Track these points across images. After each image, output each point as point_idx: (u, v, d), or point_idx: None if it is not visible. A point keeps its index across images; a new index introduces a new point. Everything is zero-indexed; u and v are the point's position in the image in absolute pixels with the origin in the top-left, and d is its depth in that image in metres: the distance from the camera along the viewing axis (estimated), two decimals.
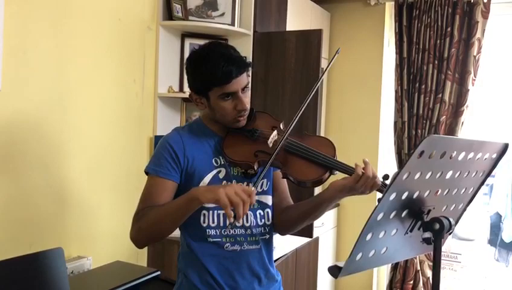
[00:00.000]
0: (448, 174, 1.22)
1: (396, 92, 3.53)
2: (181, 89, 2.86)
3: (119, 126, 2.51)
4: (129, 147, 2.59)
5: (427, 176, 1.15)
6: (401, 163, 3.51)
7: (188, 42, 2.84)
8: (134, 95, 2.60)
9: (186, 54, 2.84)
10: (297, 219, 1.58)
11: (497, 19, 3.39)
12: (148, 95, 2.69)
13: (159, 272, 2.17)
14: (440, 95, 3.36)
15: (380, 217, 1.13)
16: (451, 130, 3.38)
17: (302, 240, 3.06)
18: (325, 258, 3.67)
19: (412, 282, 3.46)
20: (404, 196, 1.15)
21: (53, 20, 2.12)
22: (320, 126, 3.65)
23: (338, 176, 1.48)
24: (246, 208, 1.26)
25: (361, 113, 3.75)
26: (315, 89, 1.52)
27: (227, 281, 1.49)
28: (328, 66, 1.54)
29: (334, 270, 1.18)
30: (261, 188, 1.56)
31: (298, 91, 2.72)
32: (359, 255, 1.16)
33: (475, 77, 3.32)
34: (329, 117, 3.81)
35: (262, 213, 1.56)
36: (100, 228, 2.42)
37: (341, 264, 1.19)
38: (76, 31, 2.23)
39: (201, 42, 2.86)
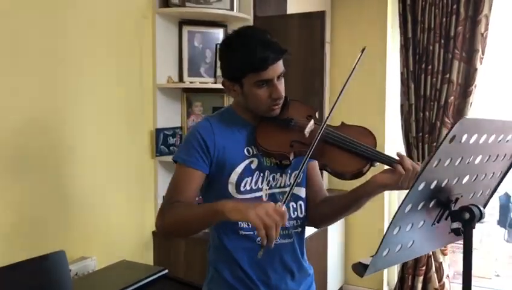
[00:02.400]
0: (478, 159, 1.13)
1: (402, 74, 3.42)
2: (181, 79, 2.75)
3: (118, 120, 2.41)
4: (129, 142, 2.49)
5: (457, 162, 1.06)
6: (408, 147, 3.42)
7: (186, 30, 2.74)
8: (131, 87, 2.50)
9: (185, 42, 2.74)
10: (334, 212, 1.53)
11: None
12: (147, 87, 2.59)
13: (166, 271, 2.10)
14: (447, 75, 3.25)
15: (408, 209, 1.04)
16: (460, 111, 3.28)
17: (311, 230, 2.98)
18: (335, 247, 3.60)
19: (424, 268, 3.39)
20: (433, 185, 1.06)
21: (45, 13, 2.02)
22: (325, 111, 3.54)
23: (378, 167, 1.40)
24: (279, 230, 1.19)
25: (367, 97, 3.64)
26: (349, 80, 1.44)
27: (259, 276, 1.45)
28: (354, 68, 1.44)
29: (359, 268, 1.09)
30: (298, 180, 1.48)
31: (302, 76, 2.62)
32: (386, 251, 1.08)
33: (483, 55, 3.21)
34: (332, 101, 3.70)
35: (295, 206, 1.50)
36: (103, 226, 2.34)
37: (365, 261, 1.11)
38: (70, 23, 2.13)
39: (200, 29, 2.78)
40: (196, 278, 2.45)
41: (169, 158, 2.68)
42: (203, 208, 1.34)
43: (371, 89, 3.63)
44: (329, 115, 1.41)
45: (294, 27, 2.71)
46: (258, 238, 1.41)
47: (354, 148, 1.40)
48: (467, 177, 1.15)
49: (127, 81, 2.46)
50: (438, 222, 1.18)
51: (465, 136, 1.00)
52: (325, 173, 1.53)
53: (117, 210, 2.42)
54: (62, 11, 2.09)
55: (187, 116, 2.82)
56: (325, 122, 1.39)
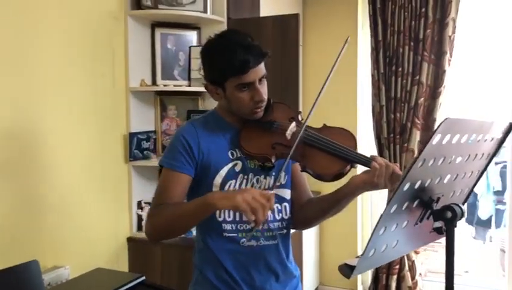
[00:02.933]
0: (458, 159, 1.16)
1: (372, 76, 3.47)
2: (154, 82, 2.71)
3: (91, 125, 2.36)
4: (103, 146, 2.44)
5: (440, 162, 1.08)
6: (380, 147, 3.47)
7: (158, 32, 2.70)
8: (104, 90, 2.45)
9: (157, 45, 2.71)
10: (317, 214, 1.53)
11: None
12: (120, 90, 2.54)
13: (143, 277, 2.05)
14: (417, 77, 3.31)
15: (393, 209, 1.05)
16: (430, 112, 3.35)
17: None
18: (310, 247, 3.62)
19: (397, 266, 3.44)
20: (417, 185, 1.07)
21: (13, 15, 1.95)
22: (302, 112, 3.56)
23: (359, 169, 1.41)
24: (266, 213, 1.23)
25: (338, 98, 3.67)
26: (328, 79, 1.48)
27: (244, 278, 1.46)
28: (339, 56, 1.48)
29: (346, 270, 1.10)
30: (278, 182, 1.50)
31: (278, 78, 2.62)
32: (372, 252, 1.08)
33: (451, 57, 3.29)
34: (306, 102, 3.72)
35: (279, 207, 1.51)
36: (76, 234, 2.28)
37: (351, 262, 1.11)
38: (38, 26, 2.07)
39: (173, 31, 2.75)
40: (173, 284, 2.41)
41: (143, 163, 2.63)
42: (193, 203, 1.34)
43: (343, 91, 3.67)
44: (307, 117, 1.41)
45: (268, 29, 2.71)
46: (242, 240, 1.45)
47: (334, 150, 1.42)
48: (448, 176, 1.18)
49: (99, 84, 2.41)
50: (420, 222, 1.20)
51: (448, 136, 1.02)
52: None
53: (90, 217, 2.36)
54: (31, 13, 2.03)
55: (161, 119, 2.78)
56: (304, 124, 1.40)
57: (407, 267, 3.44)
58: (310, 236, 3.62)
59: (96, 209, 2.40)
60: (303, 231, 3.37)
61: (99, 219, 2.41)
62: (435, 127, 3.30)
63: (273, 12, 3.08)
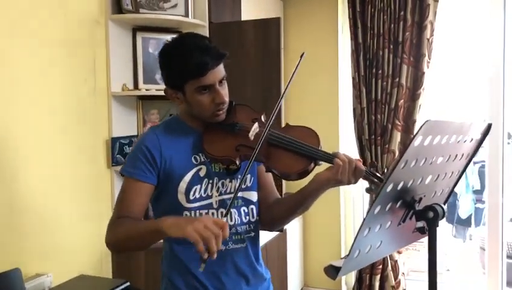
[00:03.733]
0: (439, 160, 1.18)
1: (353, 78, 3.51)
2: (136, 87, 2.70)
3: (72, 130, 2.33)
4: (84, 152, 2.41)
5: (421, 163, 1.10)
6: (362, 149, 3.51)
7: (140, 36, 2.69)
8: (86, 95, 2.43)
9: (139, 49, 2.70)
10: (284, 213, 1.53)
11: (447, 1, 3.43)
12: (101, 95, 2.52)
13: (128, 283, 2.04)
14: (397, 79, 3.36)
15: (377, 210, 1.07)
16: (410, 113, 3.40)
17: (271, 235, 3.00)
18: (294, 250, 3.63)
19: (380, 266, 3.48)
20: (399, 186, 1.09)
21: None
22: (282, 115, 3.58)
23: (323, 166, 1.42)
24: (219, 243, 1.16)
25: (320, 100, 3.71)
26: (286, 90, 1.47)
27: (214, 283, 1.44)
28: (294, 72, 1.48)
29: (331, 271, 1.11)
30: (244, 184, 1.49)
31: (260, 82, 2.64)
32: (356, 253, 1.10)
33: (429, 59, 3.35)
34: (288, 105, 3.75)
35: (246, 210, 1.50)
36: (58, 241, 2.25)
37: (337, 263, 1.12)
38: (17, 29, 2.04)
39: (154, 36, 2.74)
40: (157, 289, 2.40)
41: None
42: (144, 226, 1.31)
43: (324, 93, 3.71)
44: (271, 118, 1.41)
45: (250, 33, 2.72)
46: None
47: (297, 149, 1.42)
48: (430, 177, 1.20)
49: (80, 89, 2.39)
50: (403, 222, 1.22)
51: (429, 138, 1.04)
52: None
53: (72, 223, 2.33)
54: (10, 15, 2.00)
55: (143, 124, 2.77)
56: (268, 125, 1.40)
57: (390, 267, 3.48)
58: (294, 237, 3.64)
59: (79, 215, 2.37)
60: (287, 233, 3.39)
61: (82, 225, 2.39)
62: (415, 128, 3.37)
63: (254, 16, 3.10)
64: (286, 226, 3.34)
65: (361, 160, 1.57)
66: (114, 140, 2.57)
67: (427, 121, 0.98)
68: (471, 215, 4.89)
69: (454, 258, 4.69)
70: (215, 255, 1.17)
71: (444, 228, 4.88)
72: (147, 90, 2.69)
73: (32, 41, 2.11)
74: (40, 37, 2.15)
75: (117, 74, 2.59)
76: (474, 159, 4.63)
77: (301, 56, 1.49)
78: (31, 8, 2.10)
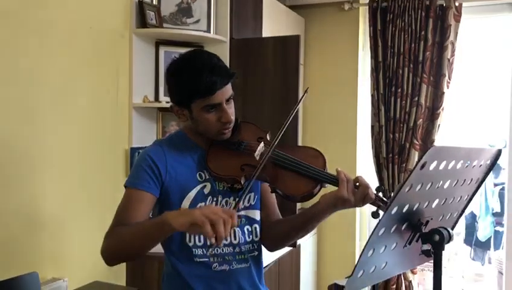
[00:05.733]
0: (447, 184, 1.19)
1: (372, 96, 3.52)
2: (156, 99, 2.77)
3: (93, 139, 2.40)
4: (104, 160, 2.48)
5: (427, 187, 1.12)
6: (379, 167, 3.50)
7: (162, 50, 2.76)
8: (108, 106, 2.50)
9: (161, 62, 2.76)
10: (287, 234, 1.51)
11: (468, 22, 3.43)
12: (123, 106, 2.59)
13: None
14: (416, 99, 3.37)
15: (381, 232, 1.08)
16: (428, 133, 3.39)
17: (284, 250, 3.01)
18: (307, 266, 3.62)
19: (394, 286, 3.45)
20: (405, 209, 1.11)
21: (20, 29, 2.01)
22: (298, 132, 3.61)
23: (329, 188, 1.41)
24: (228, 228, 1.14)
25: (338, 117, 3.73)
26: (296, 110, 1.47)
27: None
28: (298, 103, 1.50)
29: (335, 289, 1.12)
30: (248, 203, 1.48)
31: (278, 98, 2.67)
32: (360, 273, 1.11)
33: (450, 79, 3.34)
34: (306, 122, 3.78)
35: (250, 229, 1.49)
36: (75, 247, 2.31)
37: (341, 282, 1.15)
38: (46, 41, 2.12)
39: (177, 50, 2.81)
40: None
41: None
42: (148, 222, 1.28)
43: (343, 110, 3.72)
44: (276, 138, 1.40)
45: (269, 49, 2.77)
46: (214, 264, 1.40)
47: (303, 170, 1.39)
48: (437, 201, 1.21)
49: (102, 99, 2.46)
50: (409, 244, 1.23)
51: (434, 163, 1.05)
52: None
53: (89, 229, 2.38)
54: (39, 30, 2.09)
55: (162, 135, 2.83)
56: (272, 145, 1.39)
57: (404, 287, 3.45)
58: (307, 253, 3.63)
59: (97, 222, 2.42)
60: (300, 250, 3.39)
61: (98, 232, 2.44)
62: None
63: (276, 33, 3.15)
64: (300, 242, 3.34)
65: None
66: (133, 150, 2.63)
67: (432, 146, 1.00)
68: (490, 238, 4.80)
69: (472, 280, 4.61)
70: (222, 242, 1.14)
71: (462, 250, 4.80)
72: (167, 102, 2.75)
73: (59, 52, 2.19)
74: (67, 48, 2.23)
75: (139, 86, 2.66)
76: (494, 181, 4.55)
77: (305, 92, 1.49)
78: (63, 20, 2.19)
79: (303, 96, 1.48)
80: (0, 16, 1.91)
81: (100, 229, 2.43)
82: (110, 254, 1.33)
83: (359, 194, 1.35)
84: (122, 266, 2.58)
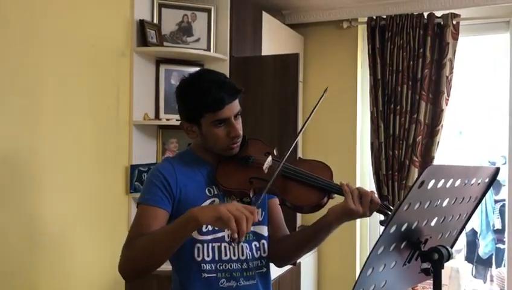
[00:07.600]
0: (445, 202, 1.19)
1: (371, 113, 3.54)
2: (157, 116, 2.78)
3: (93, 156, 2.41)
4: (104, 177, 2.48)
5: (426, 206, 1.12)
6: (379, 183, 3.50)
7: (163, 68, 2.78)
8: (108, 123, 2.51)
9: (162, 80, 2.79)
10: (295, 248, 1.53)
11: (466, 39, 3.46)
12: (123, 123, 2.61)
13: None
14: (415, 116, 3.38)
15: (380, 250, 1.08)
16: (428, 150, 3.40)
17: (284, 268, 2.99)
18: (307, 284, 3.60)
19: None
20: (403, 228, 1.11)
21: (21, 45, 2.03)
22: (297, 149, 3.62)
23: (337, 199, 1.44)
24: (250, 225, 1.21)
25: (338, 135, 3.74)
26: (307, 122, 1.52)
27: None
28: (316, 105, 1.53)
29: None
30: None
31: (277, 115, 2.69)
32: None
33: (448, 96, 3.37)
34: (306, 139, 3.79)
35: (258, 245, 1.50)
36: (75, 265, 2.30)
37: None
38: (47, 58, 2.14)
39: (177, 68, 2.84)
40: None
41: None
42: (172, 224, 1.31)
43: (342, 127, 3.73)
44: (289, 150, 1.45)
45: (269, 67, 2.80)
46: (222, 280, 1.41)
47: (311, 181, 1.44)
48: (436, 219, 1.21)
49: (102, 117, 2.47)
50: (408, 262, 1.22)
51: (432, 181, 1.06)
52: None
53: (88, 248, 2.38)
54: (40, 47, 2.11)
55: (162, 152, 2.84)
56: (285, 156, 1.43)
57: None
58: (308, 271, 3.61)
59: (97, 241, 2.42)
60: (301, 266, 3.37)
61: (97, 250, 2.43)
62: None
63: (275, 51, 3.18)
64: (300, 260, 3.33)
65: (375, 192, 1.58)
66: (133, 167, 2.64)
67: (429, 166, 1.01)
68: (491, 255, 4.78)
69: None
70: (243, 237, 1.21)
71: (464, 268, 4.77)
72: (167, 120, 2.77)
73: (61, 69, 2.21)
74: (69, 65, 2.25)
75: (139, 103, 2.67)
76: (495, 198, 4.53)
77: (324, 91, 1.55)
78: (62, 39, 2.21)
79: (322, 95, 1.53)
80: (3, 36, 1.94)
81: (100, 247, 2.44)
82: (129, 267, 1.35)
83: (364, 202, 1.40)
84: (121, 284, 2.56)
